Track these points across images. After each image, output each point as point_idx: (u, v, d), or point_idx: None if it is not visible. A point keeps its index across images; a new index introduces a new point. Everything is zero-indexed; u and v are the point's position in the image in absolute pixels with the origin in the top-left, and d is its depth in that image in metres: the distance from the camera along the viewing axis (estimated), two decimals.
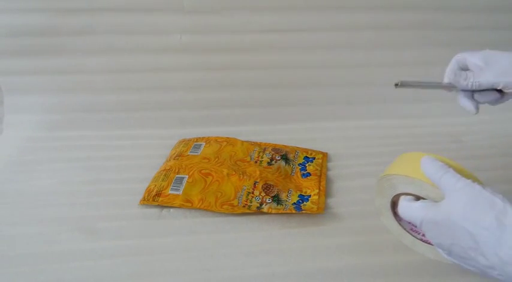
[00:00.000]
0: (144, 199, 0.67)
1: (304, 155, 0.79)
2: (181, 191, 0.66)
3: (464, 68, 0.51)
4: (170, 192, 0.66)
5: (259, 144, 0.80)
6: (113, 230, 0.62)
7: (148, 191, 0.68)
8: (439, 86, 0.52)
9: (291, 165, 0.75)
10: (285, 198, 0.66)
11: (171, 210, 0.66)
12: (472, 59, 0.49)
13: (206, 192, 0.66)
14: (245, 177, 0.68)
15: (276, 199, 0.65)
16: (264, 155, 0.76)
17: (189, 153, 0.76)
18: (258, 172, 0.70)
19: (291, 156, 0.77)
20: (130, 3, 0.84)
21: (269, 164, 0.74)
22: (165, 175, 0.70)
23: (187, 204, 0.65)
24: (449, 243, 0.35)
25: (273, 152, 0.76)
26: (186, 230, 0.62)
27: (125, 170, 0.76)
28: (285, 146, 0.82)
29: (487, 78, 0.47)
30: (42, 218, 0.64)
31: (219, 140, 0.80)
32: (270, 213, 0.64)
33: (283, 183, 0.69)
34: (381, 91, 0.95)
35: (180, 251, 0.58)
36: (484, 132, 0.91)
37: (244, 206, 0.64)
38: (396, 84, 0.50)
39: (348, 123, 0.93)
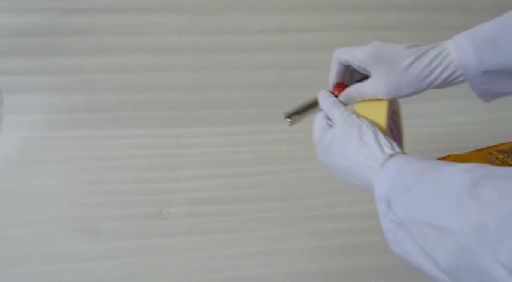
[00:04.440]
0: None
1: None
2: None
3: (348, 70, 0.48)
4: None
5: None
6: (113, 230, 0.62)
7: None
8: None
9: None
10: None
11: (171, 210, 0.66)
12: (357, 61, 0.45)
13: None
14: None
15: None
16: None
17: None
18: None
19: None
20: (130, 3, 0.84)
21: None
22: None
23: None
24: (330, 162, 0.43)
25: None
26: (186, 230, 0.62)
27: (125, 170, 0.76)
28: None
29: (379, 94, 0.44)
30: (42, 219, 0.64)
31: None
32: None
33: None
34: None
35: (180, 252, 0.58)
36: (484, 132, 0.91)
37: None
38: (287, 119, 0.49)
39: None
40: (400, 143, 0.48)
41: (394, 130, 0.47)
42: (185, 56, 0.90)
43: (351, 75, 0.48)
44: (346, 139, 0.40)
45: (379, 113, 0.42)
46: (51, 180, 0.73)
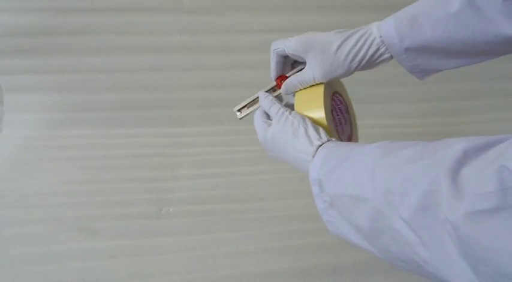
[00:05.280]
0: None
1: None
2: None
3: (286, 61, 0.51)
4: None
5: None
6: (112, 229, 0.62)
7: None
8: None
9: None
10: None
11: (171, 209, 0.66)
12: (291, 50, 0.48)
13: None
14: None
15: None
16: None
17: None
18: None
19: None
20: (130, 3, 0.85)
21: None
22: None
23: None
24: (276, 156, 0.45)
25: None
26: (185, 229, 0.62)
27: (125, 169, 0.76)
28: None
29: (316, 79, 0.47)
30: (41, 218, 0.64)
31: None
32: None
33: None
34: (380, 91, 0.95)
35: (179, 250, 0.58)
36: (484, 132, 0.90)
37: None
38: (236, 111, 0.53)
39: None
40: (348, 120, 0.52)
41: (342, 109, 0.51)
42: (185, 56, 0.90)
43: (292, 67, 0.51)
44: (283, 136, 0.43)
45: (317, 97, 0.46)
46: (51, 179, 0.73)
